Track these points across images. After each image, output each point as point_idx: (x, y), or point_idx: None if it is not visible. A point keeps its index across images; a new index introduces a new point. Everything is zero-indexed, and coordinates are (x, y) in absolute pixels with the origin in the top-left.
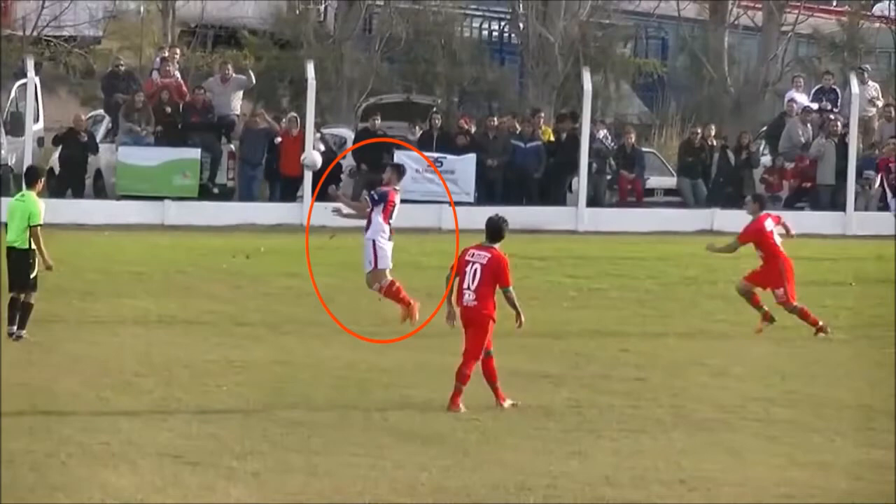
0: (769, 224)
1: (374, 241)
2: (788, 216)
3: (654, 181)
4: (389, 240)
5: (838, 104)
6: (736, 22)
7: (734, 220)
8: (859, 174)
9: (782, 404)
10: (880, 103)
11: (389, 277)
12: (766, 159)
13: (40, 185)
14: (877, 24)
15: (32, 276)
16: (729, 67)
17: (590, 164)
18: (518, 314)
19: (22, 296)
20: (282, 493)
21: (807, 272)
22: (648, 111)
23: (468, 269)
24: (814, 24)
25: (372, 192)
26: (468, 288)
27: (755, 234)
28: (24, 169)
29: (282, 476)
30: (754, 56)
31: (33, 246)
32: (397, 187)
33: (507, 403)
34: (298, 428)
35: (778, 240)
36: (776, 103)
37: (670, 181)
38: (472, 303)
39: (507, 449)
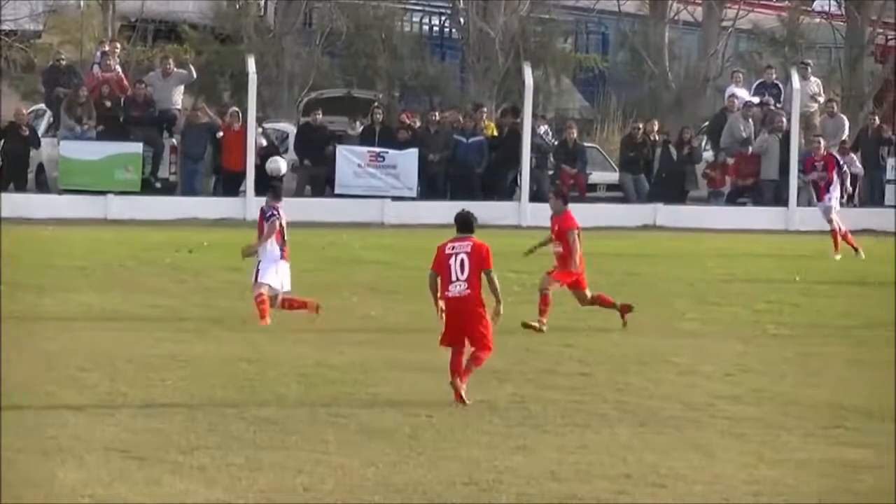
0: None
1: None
2: (731, 212)
3: (596, 176)
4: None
5: (781, 99)
6: (676, 17)
7: (676, 215)
8: (801, 170)
9: (750, 402)
10: (822, 99)
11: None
12: (707, 155)
13: None
14: (817, 20)
15: None
16: (669, 63)
17: (532, 159)
18: (498, 301)
19: None
20: (227, 488)
21: (751, 268)
22: (589, 106)
23: (452, 261)
24: (754, 19)
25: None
26: (457, 279)
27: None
28: None
29: (226, 470)
30: (695, 51)
31: None
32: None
33: (468, 402)
34: (242, 423)
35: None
36: (717, 98)
37: (612, 176)
38: (465, 292)
39: (453, 444)
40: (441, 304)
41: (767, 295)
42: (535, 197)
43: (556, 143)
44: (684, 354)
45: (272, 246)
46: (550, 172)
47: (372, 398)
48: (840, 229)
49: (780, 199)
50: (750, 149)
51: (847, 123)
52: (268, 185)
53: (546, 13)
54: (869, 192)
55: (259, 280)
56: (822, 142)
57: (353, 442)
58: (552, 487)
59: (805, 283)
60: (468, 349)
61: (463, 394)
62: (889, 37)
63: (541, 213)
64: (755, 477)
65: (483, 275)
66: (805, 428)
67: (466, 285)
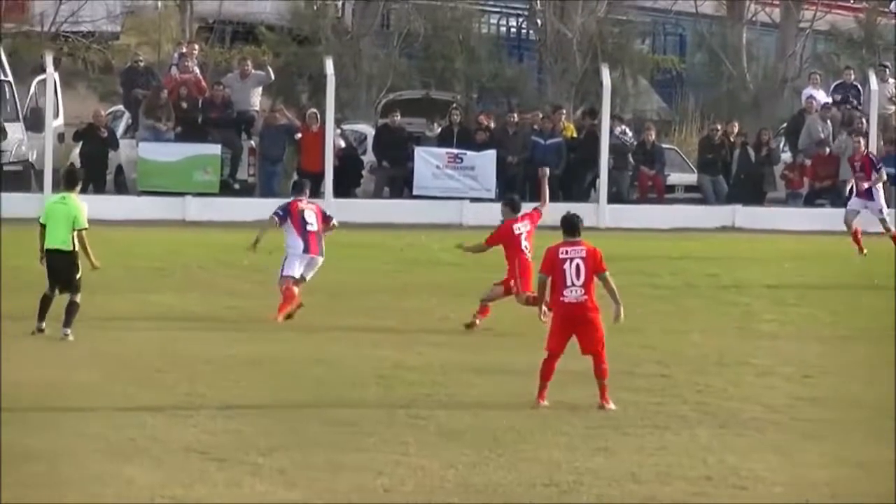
0: (518, 227)
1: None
2: (809, 213)
3: (674, 177)
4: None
5: (860, 100)
6: (753, 18)
7: (754, 216)
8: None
9: (828, 404)
10: None
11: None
12: (786, 156)
13: (80, 185)
14: (894, 21)
15: (77, 277)
16: (747, 64)
17: (610, 161)
18: (617, 302)
19: (57, 293)
20: (307, 490)
21: (828, 270)
22: (667, 107)
23: (567, 266)
24: (831, 20)
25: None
26: (573, 284)
27: (503, 237)
28: (64, 171)
29: (306, 472)
30: (772, 52)
31: (77, 248)
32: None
33: (611, 406)
34: (322, 424)
35: (525, 243)
36: (795, 100)
37: (690, 177)
38: (582, 298)
39: (533, 445)
40: (545, 307)
41: (845, 297)
42: (614, 198)
43: (634, 144)
44: (763, 356)
45: (295, 240)
46: (629, 174)
47: (451, 400)
48: (853, 228)
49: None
50: (828, 150)
51: None
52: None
53: (623, 14)
54: None
55: (283, 274)
56: (862, 142)
57: (433, 443)
58: (632, 489)
59: (883, 285)
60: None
61: (543, 400)
62: None
63: (619, 215)
64: (834, 478)
65: (597, 277)
66: (883, 430)
67: (583, 290)
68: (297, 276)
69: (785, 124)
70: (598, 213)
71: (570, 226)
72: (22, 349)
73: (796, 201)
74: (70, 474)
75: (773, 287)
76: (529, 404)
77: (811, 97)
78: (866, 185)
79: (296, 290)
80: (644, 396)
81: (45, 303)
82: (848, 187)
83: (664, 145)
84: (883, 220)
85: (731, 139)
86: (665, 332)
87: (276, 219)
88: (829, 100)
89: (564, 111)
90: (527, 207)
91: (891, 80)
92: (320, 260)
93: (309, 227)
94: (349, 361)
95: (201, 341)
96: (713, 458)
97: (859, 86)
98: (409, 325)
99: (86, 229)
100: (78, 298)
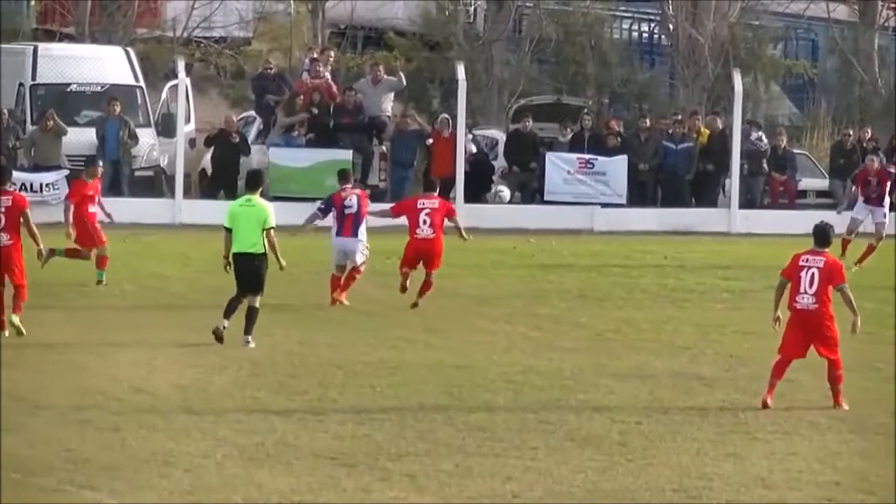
0: (423, 203)
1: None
2: None
3: (805, 183)
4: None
5: None
6: (885, 24)
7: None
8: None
9: None
10: None
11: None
12: None
13: (262, 187)
14: None
15: (265, 279)
16: (879, 69)
17: (741, 166)
18: (854, 313)
19: (247, 299)
20: (436, 495)
21: None
22: (799, 113)
23: (803, 273)
24: None
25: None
26: (805, 292)
27: (406, 209)
28: (247, 173)
29: (435, 477)
30: None
31: (267, 250)
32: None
33: (845, 406)
34: (451, 429)
35: (425, 218)
36: None
37: (822, 183)
38: (812, 306)
39: (663, 451)
40: (778, 313)
41: None
42: (747, 203)
43: (767, 149)
44: (892, 361)
45: (333, 227)
46: (761, 179)
47: (581, 405)
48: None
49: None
50: None
51: None
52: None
53: (755, 19)
54: None
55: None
56: (876, 158)
57: (562, 448)
58: (762, 494)
59: None
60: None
61: (770, 398)
62: None
63: (750, 220)
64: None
65: (836, 291)
66: None
67: (814, 300)
68: (337, 271)
69: None
70: (730, 218)
71: (820, 235)
72: (163, 354)
73: None
74: (204, 479)
75: None
76: (660, 409)
77: None
78: (876, 197)
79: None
80: (773, 401)
81: (234, 304)
82: (846, 202)
83: (795, 150)
84: (881, 225)
85: (864, 145)
86: None
87: (319, 213)
88: None
89: (700, 116)
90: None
91: None
92: (354, 242)
93: (348, 211)
94: (480, 366)
95: (333, 347)
96: (842, 463)
97: None
98: (540, 331)
99: (273, 228)
100: (257, 303)
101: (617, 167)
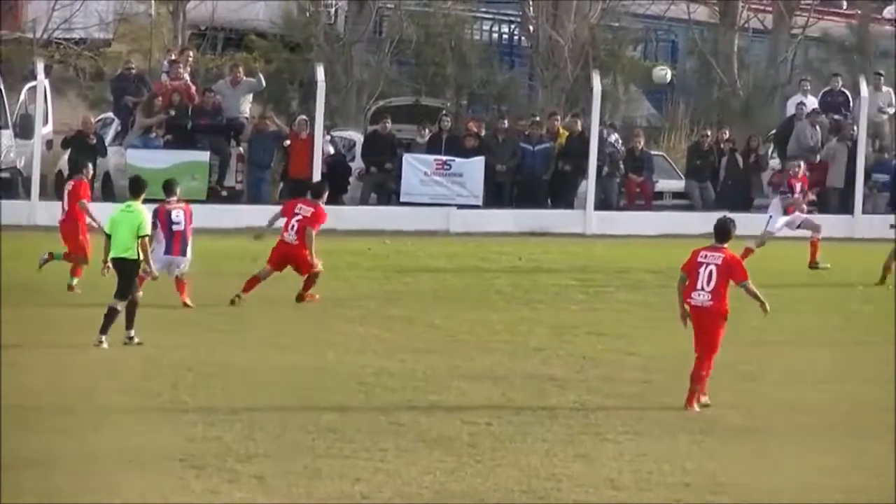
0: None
1: None
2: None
3: (662, 184)
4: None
5: (849, 108)
6: (746, 25)
7: (743, 222)
8: (868, 177)
9: (818, 409)
10: (891, 110)
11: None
12: (774, 162)
13: (144, 194)
14: (887, 27)
15: (134, 284)
16: (738, 70)
17: (599, 167)
18: (762, 303)
19: (121, 304)
20: (284, 496)
21: (818, 276)
22: (657, 114)
23: (702, 269)
24: (824, 26)
25: None
26: (702, 289)
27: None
28: (129, 179)
29: (284, 479)
30: (764, 59)
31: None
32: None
33: (697, 406)
34: (302, 431)
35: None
36: (784, 107)
37: (678, 184)
38: (707, 303)
39: (513, 452)
40: (686, 308)
41: (836, 302)
42: (603, 205)
43: (623, 150)
44: (750, 363)
45: (158, 245)
46: (618, 180)
47: (432, 406)
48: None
49: (845, 207)
50: (818, 157)
51: None
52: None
53: (615, 21)
54: None
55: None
56: (803, 164)
57: (412, 450)
58: (611, 495)
59: (867, 290)
60: None
61: (696, 400)
62: None
63: (607, 221)
64: (815, 484)
65: (739, 287)
66: (875, 434)
67: (710, 296)
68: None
69: (774, 131)
70: (586, 219)
71: (721, 230)
72: (20, 358)
73: None
74: (52, 481)
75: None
76: (511, 410)
77: (801, 103)
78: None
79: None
80: (625, 402)
81: (112, 315)
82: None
83: (653, 152)
84: (808, 221)
85: (721, 146)
86: (649, 338)
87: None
88: (818, 107)
89: (559, 117)
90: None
91: (885, 89)
92: (182, 260)
93: (175, 228)
94: (332, 368)
95: (185, 348)
96: (692, 464)
97: (847, 93)
98: (393, 332)
99: (147, 236)
100: (137, 298)
101: (474, 168)
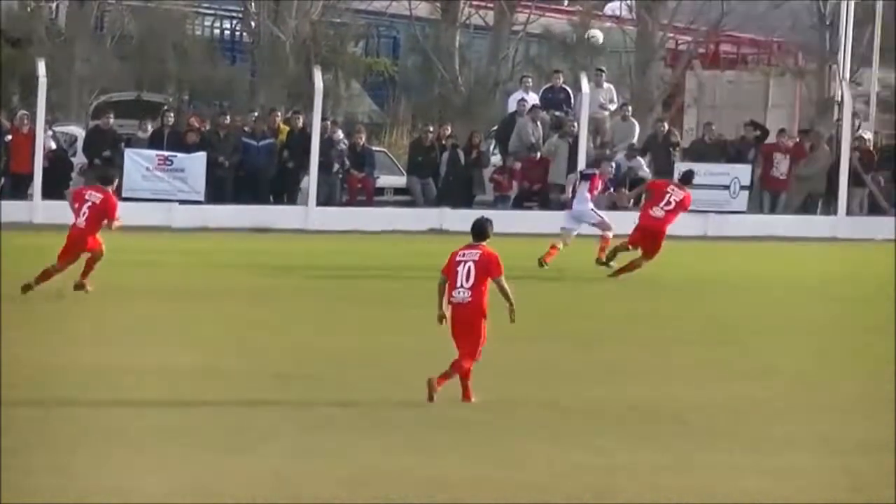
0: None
1: None
2: (517, 216)
3: (384, 180)
4: None
5: (571, 104)
6: (467, 21)
7: (463, 219)
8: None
9: (473, 406)
10: (613, 106)
11: None
12: (496, 159)
13: None
14: (608, 24)
15: None
16: (460, 67)
17: (321, 163)
18: (510, 304)
19: None
20: None
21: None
22: (379, 110)
23: (460, 268)
24: (545, 23)
25: None
26: (461, 286)
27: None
28: None
29: None
30: (485, 56)
31: None
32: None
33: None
34: None
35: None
36: (506, 103)
37: (400, 180)
38: (466, 299)
39: (181, 449)
40: (445, 308)
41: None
42: (325, 201)
43: (345, 146)
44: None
45: None
46: (340, 176)
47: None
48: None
49: (567, 203)
50: (539, 154)
51: (637, 127)
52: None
53: (337, 17)
54: None
55: None
56: (613, 164)
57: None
58: (275, 488)
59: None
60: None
61: (471, 392)
62: (679, 41)
63: (329, 217)
64: (483, 476)
65: (493, 283)
66: (534, 430)
67: (469, 294)
68: None
69: (496, 127)
70: (308, 215)
71: (477, 229)
72: None
73: (505, 204)
74: None
75: None
76: (180, 406)
77: (523, 100)
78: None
79: None
80: (299, 397)
81: None
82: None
83: (374, 148)
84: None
85: (442, 142)
86: (368, 332)
87: None
88: (539, 103)
89: (280, 113)
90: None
91: (606, 85)
92: None
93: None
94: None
95: None
96: (364, 459)
97: (568, 89)
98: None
99: None
100: None
101: (195, 164)
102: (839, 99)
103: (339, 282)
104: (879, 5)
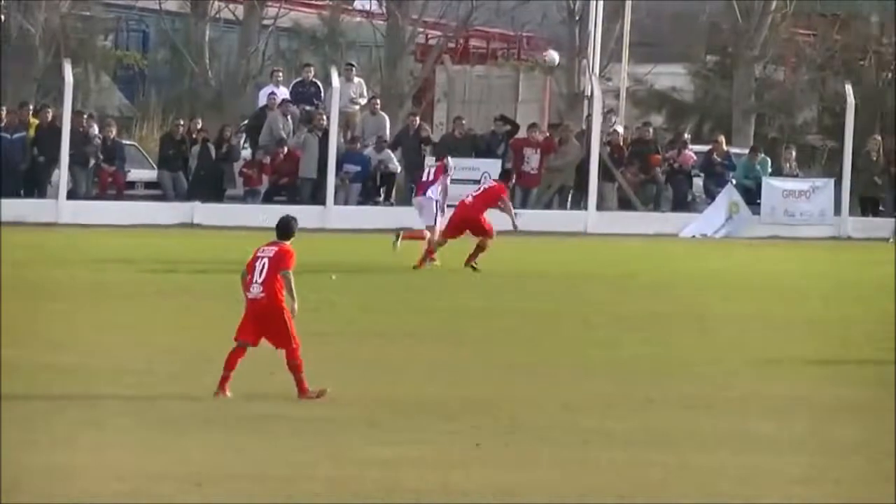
0: None
1: None
2: (268, 210)
3: (134, 174)
4: None
5: (321, 98)
6: (217, 15)
7: (214, 213)
8: (339, 168)
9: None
10: (363, 100)
11: None
12: (247, 153)
13: None
14: (358, 19)
15: None
16: (210, 61)
17: (74, 157)
18: (293, 299)
19: None
20: None
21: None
22: (129, 104)
23: (257, 263)
24: (295, 17)
25: None
26: (256, 282)
27: None
28: None
29: None
30: (236, 50)
31: None
32: None
33: (314, 393)
34: None
35: None
36: (256, 97)
37: (151, 174)
38: (259, 295)
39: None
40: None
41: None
42: (74, 194)
43: (97, 140)
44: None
45: None
46: (90, 169)
47: None
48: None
49: (317, 198)
50: (286, 148)
51: (388, 121)
52: None
53: (87, 10)
54: (407, 192)
55: None
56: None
57: None
58: (117, 487)
59: (343, 279)
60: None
61: (227, 386)
62: (429, 36)
63: (80, 211)
64: (309, 474)
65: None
66: (362, 424)
67: (262, 288)
68: None
69: (246, 121)
70: (59, 209)
71: (280, 227)
72: None
73: (254, 198)
74: None
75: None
76: (21, 400)
77: (273, 94)
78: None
79: None
80: (134, 392)
81: None
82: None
83: (125, 141)
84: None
85: (193, 136)
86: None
87: None
88: (290, 97)
89: (31, 106)
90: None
91: (356, 79)
92: None
93: None
94: None
95: None
96: (203, 455)
97: (319, 83)
98: None
99: None
100: None
101: None
102: (589, 94)
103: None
104: (627, 4)
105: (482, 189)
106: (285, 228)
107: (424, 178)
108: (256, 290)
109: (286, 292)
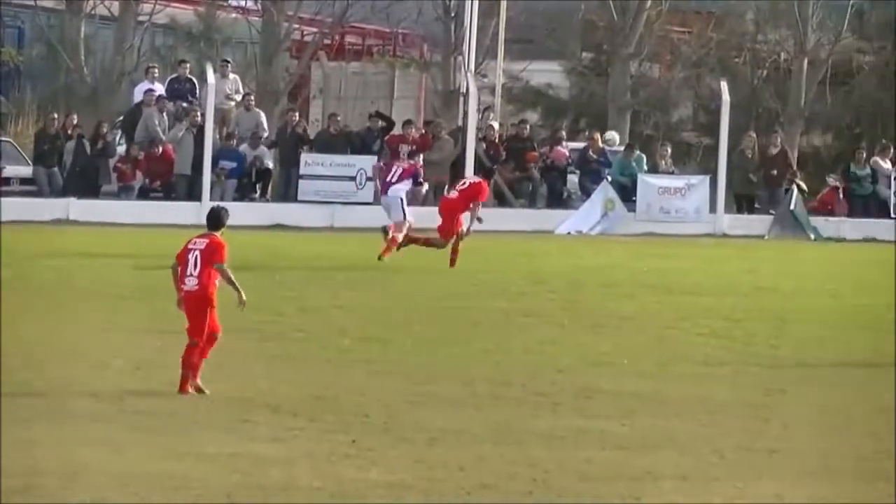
0: None
1: None
2: (143, 206)
3: (10, 170)
4: None
5: (196, 94)
6: (93, 12)
7: (90, 209)
8: (215, 164)
9: (162, 396)
10: (238, 96)
11: None
12: (122, 149)
13: None
14: (233, 15)
15: None
16: (86, 57)
17: None
18: (238, 291)
19: None
20: None
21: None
22: (4, 100)
23: (190, 256)
24: (171, 13)
25: None
26: (190, 274)
27: None
28: None
29: None
30: (111, 46)
31: None
32: None
33: (191, 390)
34: None
35: None
36: (132, 93)
37: (26, 170)
38: (194, 287)
39: None
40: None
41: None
42: None
43: None
44: (97, 348)
45: None
46: None
47: None
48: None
49: (193, 194)
50: (161, 145)
51: (264, 118)
52: None
53: None
54: (283, 189)
55: None
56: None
57: None
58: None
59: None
60: None
61: (190, 385)
62: (305, 32)
63: None
64: (166, 472)
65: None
66: (215, 422)
67: (196, 281)
68: None
69: (122, 117)
70: None
71: (210, 218)
72: None
73: (129, 194)
74: None
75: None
76: None
77: (149, 90)
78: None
79: None
80: None
81: None
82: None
83: (0, 138)
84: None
85: (68, 132)
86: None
87: None
88: (165, 94)
89: None
90: None
91: (231, 76)
92: None
93: None
94: None
95: None
96: (42, 451)
97: (194, 80)
98: None
99: None
100: None
101: None
102: (464, 90)
103: None
104: (502, 2)
105: (467, 185)
106: (216, 219)
107: (389, 179)
108: (192, 283)
109: (229, 284)
